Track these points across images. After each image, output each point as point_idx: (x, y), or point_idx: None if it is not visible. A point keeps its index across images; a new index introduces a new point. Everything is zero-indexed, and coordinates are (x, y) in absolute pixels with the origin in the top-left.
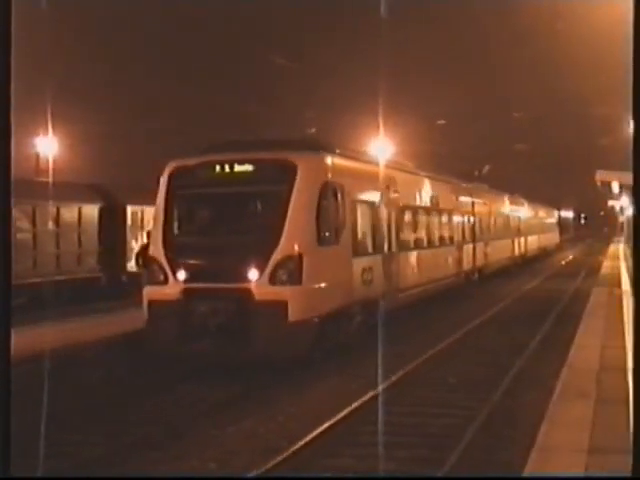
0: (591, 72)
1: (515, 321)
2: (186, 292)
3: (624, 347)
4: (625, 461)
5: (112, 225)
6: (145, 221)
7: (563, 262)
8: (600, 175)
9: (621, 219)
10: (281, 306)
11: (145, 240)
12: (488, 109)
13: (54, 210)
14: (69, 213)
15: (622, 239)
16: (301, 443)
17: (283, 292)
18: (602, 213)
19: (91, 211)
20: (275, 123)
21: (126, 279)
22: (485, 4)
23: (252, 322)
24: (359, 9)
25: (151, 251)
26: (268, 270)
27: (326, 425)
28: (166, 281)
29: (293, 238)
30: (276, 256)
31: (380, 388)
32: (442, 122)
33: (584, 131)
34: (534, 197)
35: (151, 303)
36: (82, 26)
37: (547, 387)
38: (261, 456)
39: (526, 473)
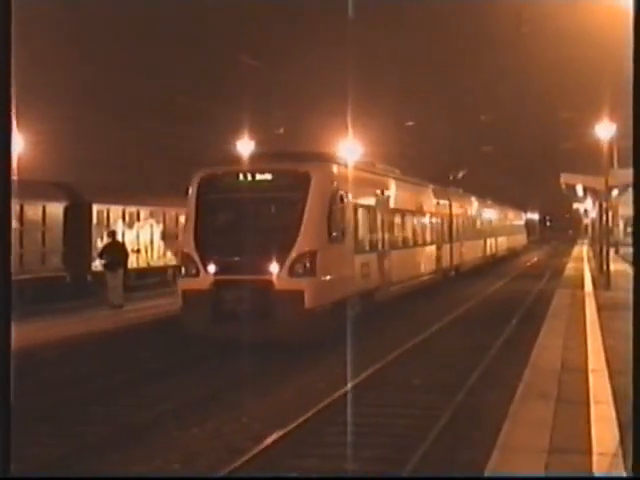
0: (557, 76)
1: (480, 321)
2: (215, 283)
3: (585, 348)
4: (584, 461)
5: (77, 224)
6: (111, 220)
7: (528, 264)
8: (565, 178)
9: (585, 221)
10: (299, 295)
11: (108, 237)
12: (456, 111)
13: (17, 208)
14: (33, 211)
15: (586, 241)
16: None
17: (300, 283)
18: (567, 215)
19: (56, 209)
20: (243, 122)
21: (91, 278)
22: (453, 8)
23: (273, 308)
24: (328, 10)
25: (184, 248)
26: (287, 264)
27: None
28: (198, 274)
29: (308, 237)
30: (294, 252)
31: (349, 386)
32: (411, 124)
33: (550, 134)
34: (502, 199)
35: (185, 292)
36: (51, 23)
37: (510, 387)
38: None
39: (527, 473)
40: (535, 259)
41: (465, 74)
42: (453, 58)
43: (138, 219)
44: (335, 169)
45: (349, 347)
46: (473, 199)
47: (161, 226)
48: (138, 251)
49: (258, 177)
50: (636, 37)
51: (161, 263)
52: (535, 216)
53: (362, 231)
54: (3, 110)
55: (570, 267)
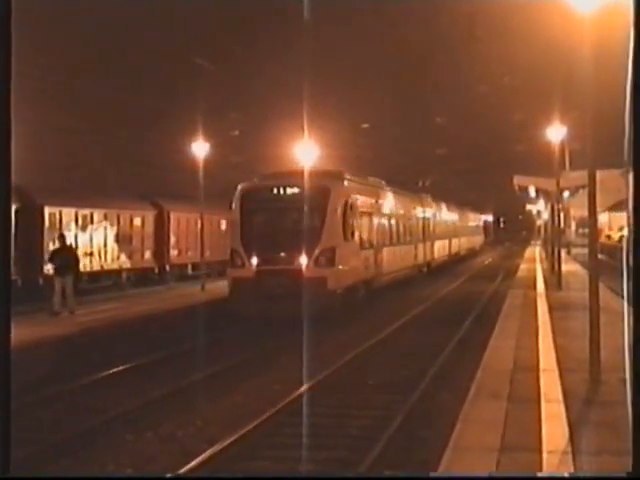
0: (509, 79)
1: (435, 322)
2: (258, 272)
3: (537, 348)
4: (534, 459)
5: (29, 226)
6: (64, 222)
7: (482, 265)
8: (518, 180)
9: (538, 223)
10: (322, 280)
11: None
12: (411, 114)
13: None
14: None
15: (539, 242)
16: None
17: (324, 272)
18: (520, 217)
19: None
20: (197, 123)
21: (43, 282)
22: (407, 10)
23: (303, 291)
24: (283, 12)
25: (232, 246)
26: (313, 257)
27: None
28: (244, 265)
29: (329, 237)
30: (318, 248)
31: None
32: (366, 126)
33: (503, 137)
34: (461, 202)
35: (233, 280)
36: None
37: (463, 388)
38: None
39: (526, 473)
40: (489, 260)
41: (419, 77)
42: (407, 61)
43: (92, 222)
44: (346, 184)
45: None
46: (441, 204)
47: (115, 229)
48: (91, 254)
49: (289, 190)
50: (636, 37)
51: (115, 266)
52: (489, 218)
53: (364, 232)
54: (3, 110)
55: (523, 268)
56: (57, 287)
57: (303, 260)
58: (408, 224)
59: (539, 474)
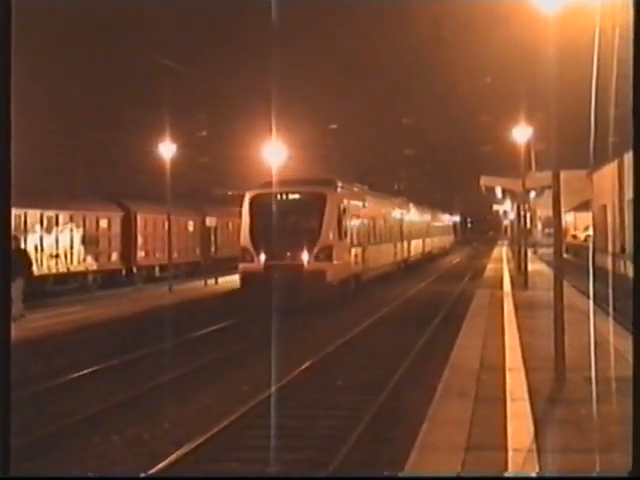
0: (476, 80)
1: (403, 322)
2: (265, 266)
3: (503, 347)
4: (500, 457)
5: None
6: (28, 224)
7: (450, 265)
8: (484, 180)
9: (505, 223)
10: (322, 274)
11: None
12: (378, 114)
13: None
14: None
15: (506, 242)
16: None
17: (323, 266)
18: (488, 217)
19: None
20: (164, 124)
21: None
22: (374, 11)
23: (306, 282)
24: (250, 13)
25: (242, 244)
26: (314, 253)
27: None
28: (253, 260)
29: (327, 236)
30: (318, 246)
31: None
32: (334, 127)
33: (470, 138)
34: (431, 203)
35: (244, 273)
36: None
37: (430, 387)
38: None
39: (527, 473)
40: (457, 260)
41: (386, 78)
42: (374, 61)
43: (57, 224)
44: (339, 191)
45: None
46: (416, 206)
47: (81, 230)
48: (57, 256)
49: (291, 196)
50: (636, 37)
51: (81, 268)
52: (457, 218)
53: (354, 232)
54: (3, 111)
55: (490, 268)
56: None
57: (305, 256)
58: (388, 225)
59: (536, 474)
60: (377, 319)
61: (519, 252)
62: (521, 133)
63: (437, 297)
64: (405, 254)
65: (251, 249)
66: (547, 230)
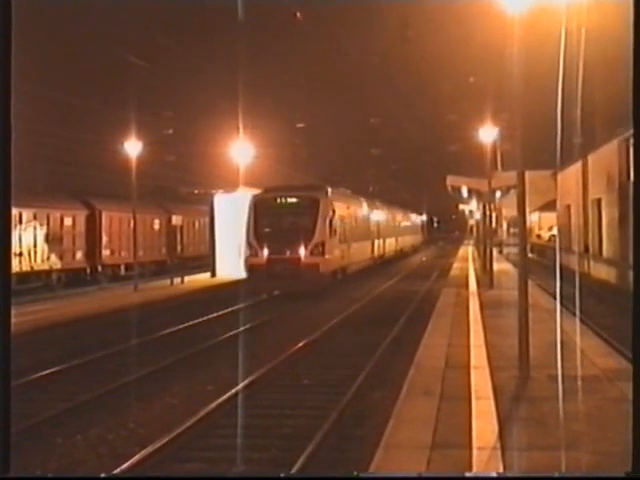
0: (443, 80)
1: (369, 321)
2: (268, 259)
3: (468, 345)
4: (464, 455)
5: None
6: None
7: (416, 264)
8: (450, 180)
9: (471, 222)
10: (316, 266)
11: None
12: (346, 114)
13: None
14: None
15: (472, 242)
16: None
17: (317, 259)
18: (454, 217)
19: None
20: (130, 122)
21: None
22: (342, 11)
23: (302, 273)
24: (218, 12)
25: (249, 240)
26: (309, 249)
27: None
28: (257, 254)
29: (320, 234)
30: (313, 242)
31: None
32: (301, 125)
33: (437, 137)
34: (401, 204)
35: (250, 265)
36: None
37: (396, 386)
38: None
39: (527, 473)
40: (423, 259)
41: (354, 78)
42: (341, 61)
43: (20, 222)
44: (330, 194)
45: None
46: (390, 207)
47: (45, 228)
48: (20, 254)
49: (289, 200)
50: (636, 37)
51: (45, 267)
52: (424, 217)
53: (341, 231)
54: (3, 110)
55: (456, 267)
56: None
57: (301, 251)
58: (367, 224)
59: (536, 474)
60: (344, 317)
61: (485, 251)
62: (487, 133)
63: (404, 296)
64: (381, 251)
65: (256, 245)
66: (512, 230)
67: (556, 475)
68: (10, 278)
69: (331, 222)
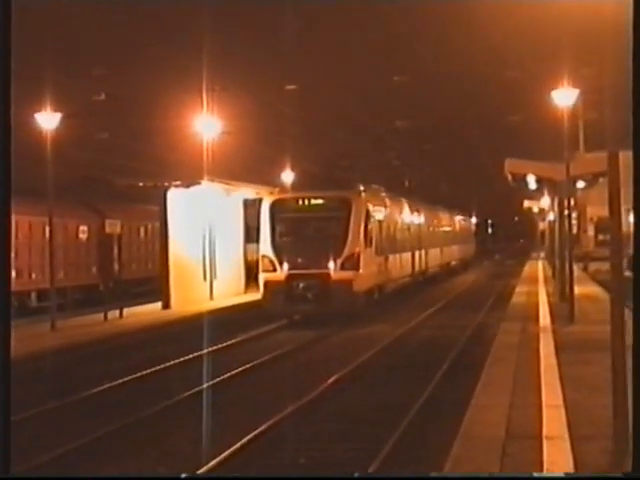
0: (494, 19)
1: (394, 372)
2: (289, 276)
3: (539, 406)
4: None
5: None
6: None
7: (466, 284)
8: (511, 165)
9: (541, 226)
10: (348, 283)
11: None
12: (356, 69)
13: None
14: None
15: (542, 254)
16: None
17: (350, 275)
18: (516, 219)
19: None
20: (43, 83)
21: None
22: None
23: (331, 292)
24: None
25: (263, 253)
26: (340, 262)
27: None
28: (275, 270)
29: (353, 243)
30: (344, 253)
31: None
32: (292, 87)
33: (489, 103)
34: (432, 198)
35: (266, 283)
36: None
37: (433, 467)
38: None
39: (524, 473)
40: (473, 278)
41: (370, 13)
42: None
43: None
44: (364, 195)
45: None
46: (432, 209)
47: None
48: None
49: (313, 202)
50: (636, 37)
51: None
52: (473, 220)
53: (379, 239)
54: (3, 110)
55: (520, 291)
56: None
57: (330, 265)
58: (409, 232)
59: (536, 474)
60: (361, 364)
61: (562, 269)
62: (564, 96)
63: (445, 333)
64: (423, 265)
65: (273, 258)
66: (602, 236)
67: (558, 475)
68: (10, 281)
69: (366, 228)
